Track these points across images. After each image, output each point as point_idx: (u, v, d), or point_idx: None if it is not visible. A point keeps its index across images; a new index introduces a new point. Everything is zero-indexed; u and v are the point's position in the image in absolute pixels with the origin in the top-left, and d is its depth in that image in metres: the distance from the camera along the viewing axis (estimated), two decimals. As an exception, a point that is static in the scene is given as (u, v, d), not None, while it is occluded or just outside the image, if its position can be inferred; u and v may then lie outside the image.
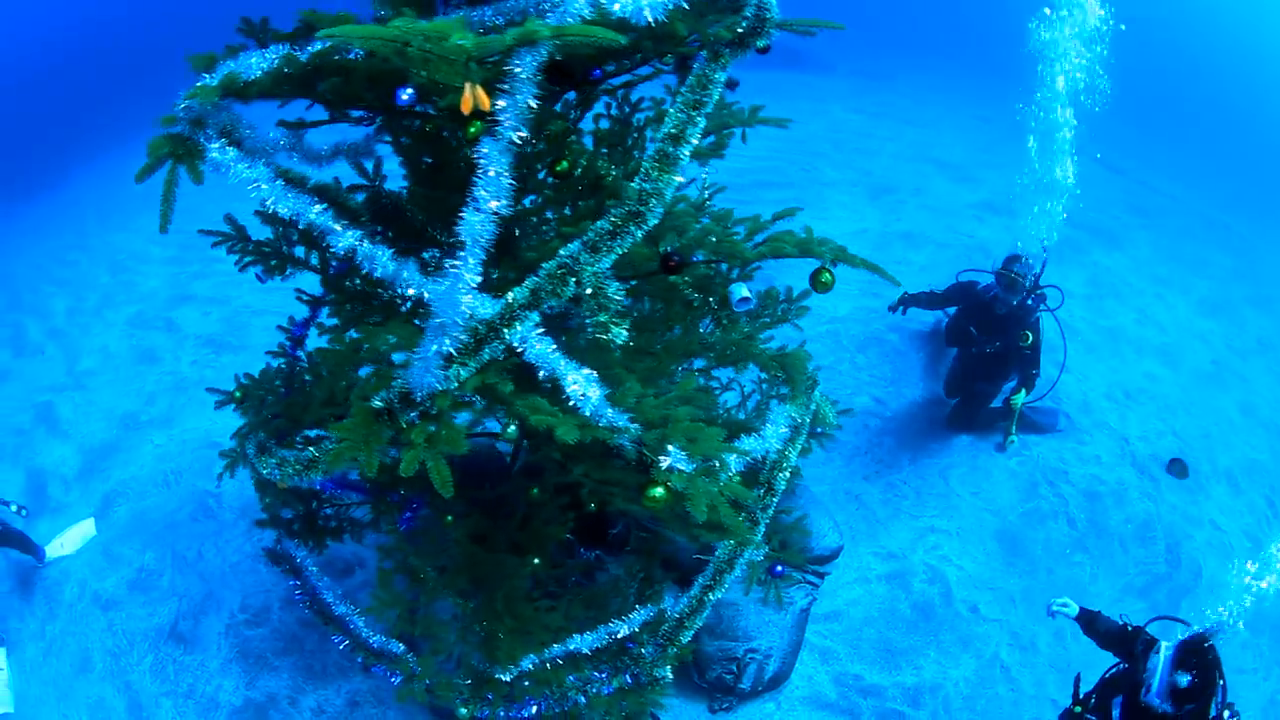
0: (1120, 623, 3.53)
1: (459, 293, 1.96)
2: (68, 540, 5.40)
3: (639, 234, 2.13)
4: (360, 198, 3.41)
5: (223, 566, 5.30)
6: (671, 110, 2.28)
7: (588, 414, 2.10)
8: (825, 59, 15.66)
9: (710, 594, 3.04)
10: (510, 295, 2.10)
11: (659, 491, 2.07)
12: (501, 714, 3.09)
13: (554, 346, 2.12)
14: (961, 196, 9.88)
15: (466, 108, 1.82)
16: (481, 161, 1.77)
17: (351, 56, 2.26)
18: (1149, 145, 13.10)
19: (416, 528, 3.69)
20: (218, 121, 2.25)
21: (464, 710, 3.10)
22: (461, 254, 1.90)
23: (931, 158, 11.02)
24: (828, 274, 2.66)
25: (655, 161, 2.18)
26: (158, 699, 4.52)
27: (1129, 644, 3.38)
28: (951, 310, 6.12)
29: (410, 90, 2.08)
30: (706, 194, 3.49)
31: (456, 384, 2.15)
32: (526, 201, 3.25)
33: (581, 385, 2.10)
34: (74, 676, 4.63)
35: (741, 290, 2.80)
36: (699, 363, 3.67)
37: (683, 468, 2.08)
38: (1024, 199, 6.75)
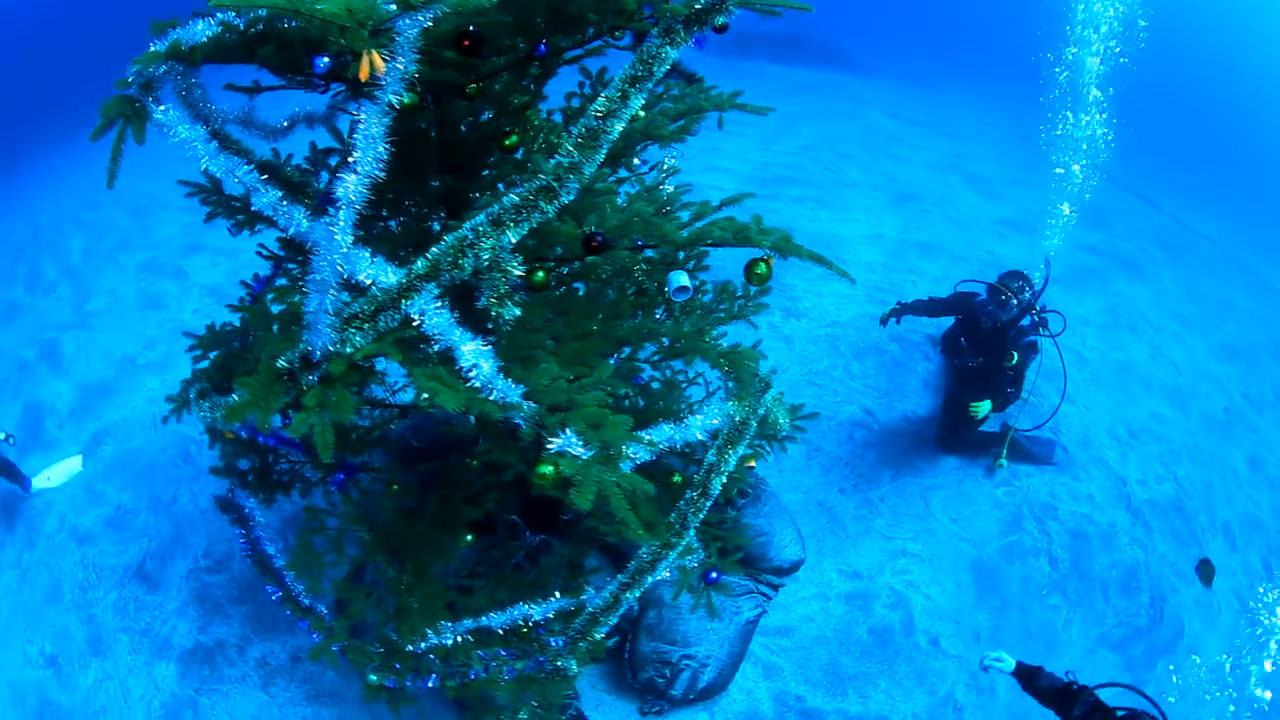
0: (1065, 680, 3.35)
1: (334, 250, 1.97)
2: (54, 474, 5.63)
3: (550, 210, 2.11)
4: (333, 161, 3.50)
5: (194, 512, 5.48)
6: (611, 85, 2.24)
7: (479, 386, 2.09)
8: (870, 62, 15.55)
9: (627, 592, 3.01)
10: (411, 266, 2.11)
11: (548, 469, 2.05)
12: (409, 683, 3.13)
13: (451, 318, 2.13)
14: (986, 211, 9.72)
15: (364, 75, 1.85)
16: (360, 125, 1.78)
17: (291, 25, 2.29)
18: (1186, 181, 12.84)
19: (377, 491, 3.78)
20: (181, 86, 2.37)
21: (373, 677, 3.15)
22: (335, 212, 1.91)
23: (961, 170, 10.86)
24: (764, 265, 2.59)
25: (579, 137, 2.15)
26: (116, 634, 4.70)
27: (1069, 705, 3.23)
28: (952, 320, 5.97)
29: (326, 58, 2.12)
30: (662, 177, 3.44)
31: (351, 349, 2.18)
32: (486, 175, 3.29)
33: (474, 357, 2.10)
34: (43, 605, 4.83)
35: (680, 279, 2.71)
36: (649, 353, 3.65)
37: (577, 452, 2.06)
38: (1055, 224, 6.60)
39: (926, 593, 4.99)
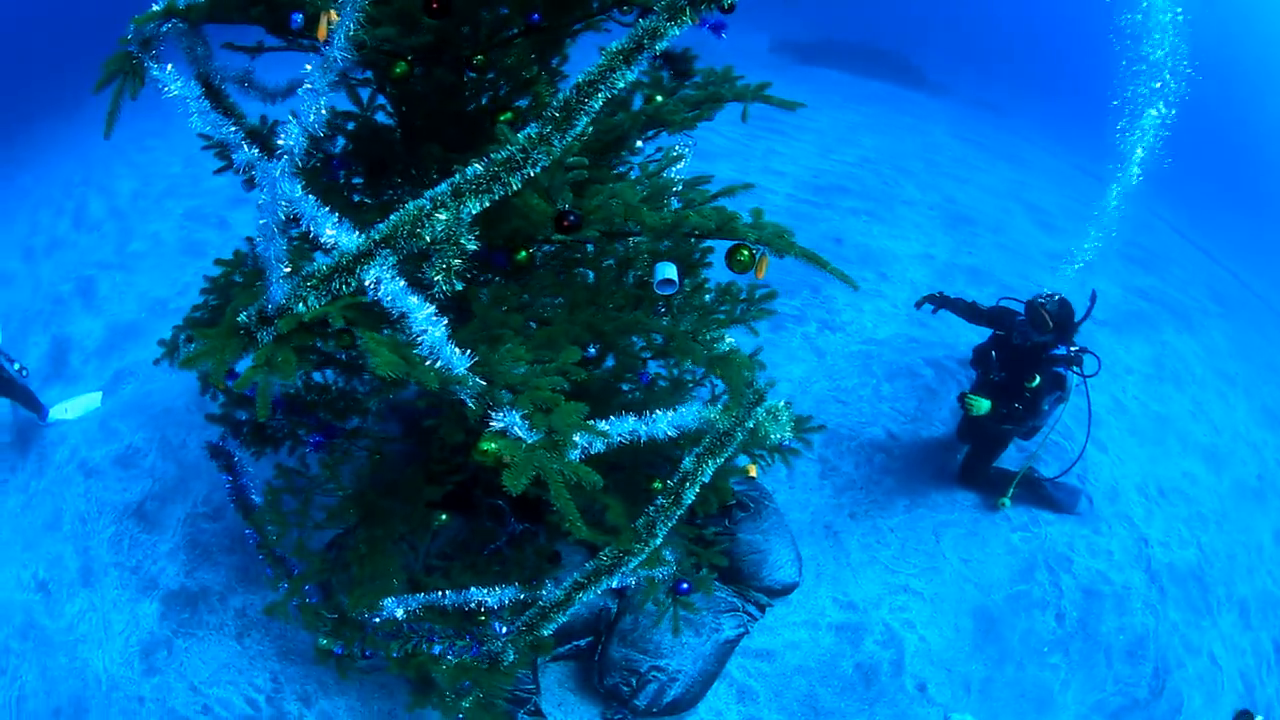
0: None
1: (276, 195, 2.00)
2: (73, 407, 5.92)
3: (515, 184, 2.07)
4: (350, 126, 3.56)
5: (201, 459, 5.67)
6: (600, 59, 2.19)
7: (425, 353, 2.08)
8: (942, 80, 15.75)
9: (581, 593, 2.97)
10: (369, 232, 2.12)
11: (489, 447, 2.02)
12: (356, 651, 3.17)
13: (405, 286, 2.12)
14: (1040, 242, 9.59)
15: (321, 35, 1.87)
16: (306, 79, 1.78)
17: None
18: (1244, 235, 12.79)
19: (361, 458, 3.84)
20: (184, 44, 2.48)
21: (323, 640, 3.20)
22: (275, 161, 1.93)
23: (1021, 198, 10.80)
24: (746, 251, 2.48)
25: (554, 111, 2.11)
26: (107, 568, 4.91)
27: None
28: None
29: (300, 15, 2.16)
30: (664, 163, 3.36)
31: (303, 308, 2.20)
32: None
33: (424, 324, 2.08)
34: (43, 531, 5.08)
35: (666, 270, 2.62)
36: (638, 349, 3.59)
37: (520, 434, 2.03)
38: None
39: (922, 634, 4.81)
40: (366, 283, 2.15)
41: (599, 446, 2.31)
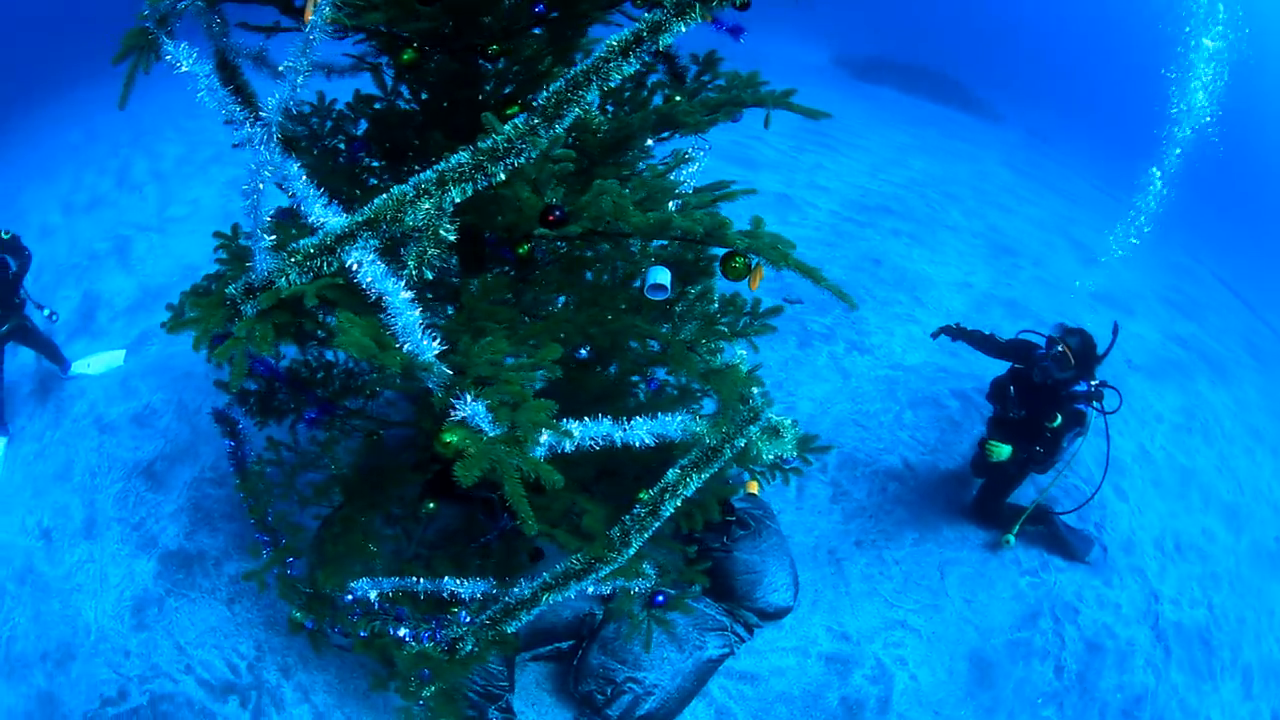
0: None
1: (260, 173, 2.05)
2: (95, 363, 6.15)
3: (500, 175, 2.10)
4: (377, 107, 3.65)
5: (213, 424, 5.86)
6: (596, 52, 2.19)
7: (396, 333, 2.12)
8: (998, 107, 15.86)
9: (548, 594, 2.98)
10: (352, 215, 2.16)
11: (451, 438, 2.04)
12: (327, 628, 3.23)
13: (386, 270, 2.16)
14: (1082, 280, 9.49)
15: (307, 16, 1.94)
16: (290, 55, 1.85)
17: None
18: None
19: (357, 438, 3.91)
20: (203, 21, 2.58)
21: (296, 614, 3.27)
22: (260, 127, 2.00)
23: (1067, 233, 10.73)
24: (740, 259, 2.44)
25: (546, 102, 2.12)
26: (111, 522, 5.09)
27: None
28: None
29: None
30: (673, 164, 3.34)
31: (284, 284, 2.26)
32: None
33: (401, 308, 2.12)
34: (52, 480, 5.30)
35: (657, 275, 2.58)
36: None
37: (483, 426, 2.05)
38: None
39: (914, 672, 4.70)
40: (349, 264, 2.20)
41: (568, 447, 2.32)
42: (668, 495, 2.97)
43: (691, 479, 3.01)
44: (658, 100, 3.49)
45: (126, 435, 5.69)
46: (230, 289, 2.42)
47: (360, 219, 2.14)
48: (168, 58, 2.42)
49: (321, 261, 2.22)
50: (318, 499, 3.46)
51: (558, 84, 2.09)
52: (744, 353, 3.47)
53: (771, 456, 3.51)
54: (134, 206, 8.21)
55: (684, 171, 3.14)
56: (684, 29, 2.22)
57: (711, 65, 3.57)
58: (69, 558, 4.82)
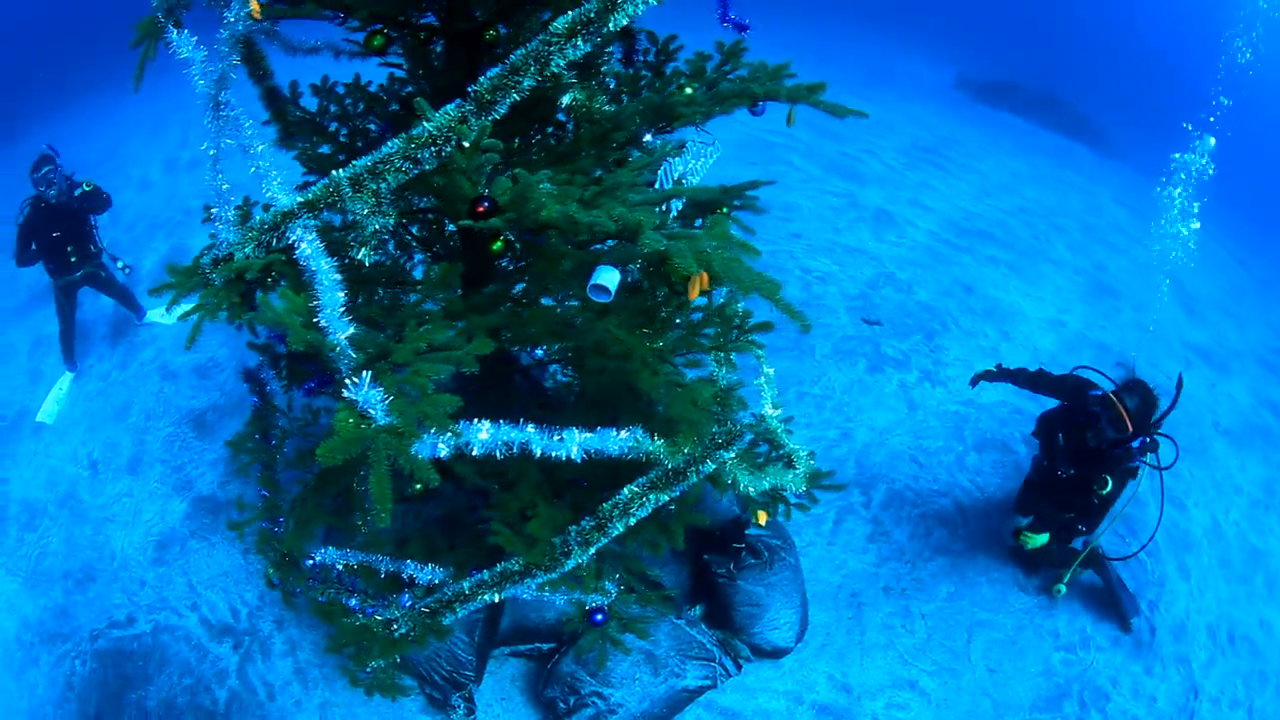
0: None
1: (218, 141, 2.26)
2: (170, 314, 6.85)
3: (430, 162, 2.20)
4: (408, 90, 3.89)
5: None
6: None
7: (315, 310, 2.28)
8: (1119, 142, 15.55)
9: (484, 592, 3.09)
10: (297, 197, 2.35)
11: (339, 417, 2.17)
12: (291, 586, 3.50)
13: (320, 249, 2.33)
14: (1181, 330, 9.02)
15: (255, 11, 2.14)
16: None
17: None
18: None
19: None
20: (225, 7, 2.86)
21: (270, 571, 3.57)
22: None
23: (1174, 278, 10.18)
24: (680, 262, 2.20)
25: (480, 89, 2.20)
26: (154, 462, 5.69)
27: None
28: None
29: None
30: (657, 158, 3.27)
31: (241, 256, 2.48)
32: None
33: (327, 288, 2.28)
34: (109, 418, 5.98)
35: (601, 275, 2.35)
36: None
37: (373, 412, 2.17)
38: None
39: (915, 741, 4.49)
40: (291, 241, 2.39)
41: (475, 443, 2.41)
42: (617, 513, 3.00)
43: (648, 500, 3.01)
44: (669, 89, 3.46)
45: (186, 384, 6.31)
46: (204, 259, 2.68)
47: (301, 200, 2.32)
48: (179, 50, 2.70)
49: (270, 237, 2.42)
50: (300, 463, 3.75)
51: (495, 70, 2.17)
52: (723, 369, 3.45)
53: (761, 488, 3.45)
54: (234, 168, 9.00)
55: (675, 167, 3.06)
56: (640, 9, 2.21)
57: (735, 55, 3.46)
58: (109, 489, 5.43)
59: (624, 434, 2.75)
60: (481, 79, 2.18)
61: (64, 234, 5.95)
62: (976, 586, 5.30)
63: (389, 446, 2.03)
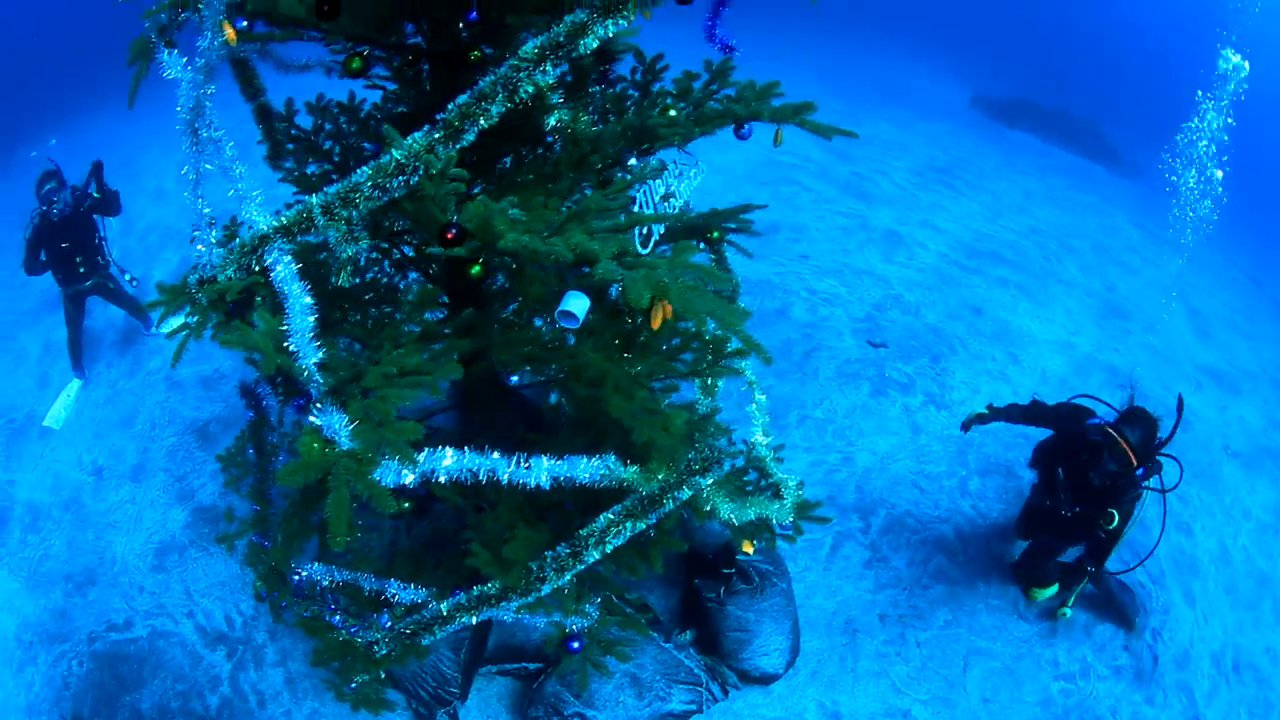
0: None
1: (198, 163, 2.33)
2: (178, 324, 7.00)
3: (398, 190, 2.25)
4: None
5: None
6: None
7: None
8: (1135, 162, 15.38)
9: (462, 614, 3.11)
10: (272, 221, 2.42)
11: (304, 441, 2.22)
12: (277, 599, 3.55)
13: (294, 272, 2.39)
14: (1192, 351, 8.95)
15: (230, 37, 2.21)
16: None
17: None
18: None
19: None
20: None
21: (259, 583, 3.62)
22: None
23: (1185, 299, 10.15)
24: (632, 292, 2.04)
25: (449, 117, 2.24)
26: (157, 471, 5.80)
27: None
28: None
29: None
30: (632, 179, 3.28)
31: (224, 279, 2.55)
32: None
33: (297, 311, 2.33)
34: (115, 425, 6.11)
35: (569, 301, 2.32)
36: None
37: (337, 437, 2.22)
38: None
39: (903, 773, 4.44)
40: (268, 264, 2.45)
41: (440, 470, 2.44)
42: (593, 541, 3.00)
43: (624, 528, 3.02)
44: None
45: (191, 394, 6.43)
46: (191, 278, 2.75)
47: (276, 225, 2.38)
48: (168, 69, 2.79)
49: (250, 260, 2.49)
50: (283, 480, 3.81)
51: (462, 98, 2.22)
52: (709, 397, 3.45)
53: (745, 519, 3.43)
54: (248, 179, 9.20)
55: (657, 189, 3.04)
56: (610, 30, 2.22)
57: (722, 75, 3.46)
58: (112, 496, 5.54)
59: (594, 461, 2.76)
60: (450, 105, 2.23)
61: (72, 245, 6.11)
62: (975, 614, 5.24)
63: (349, 472, 2.06)
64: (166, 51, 2.77)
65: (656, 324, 2.20)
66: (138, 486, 5.64)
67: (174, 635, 4.78)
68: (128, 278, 6.55)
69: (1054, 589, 4.89)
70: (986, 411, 5.16)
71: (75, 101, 13.00)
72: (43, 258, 6.05)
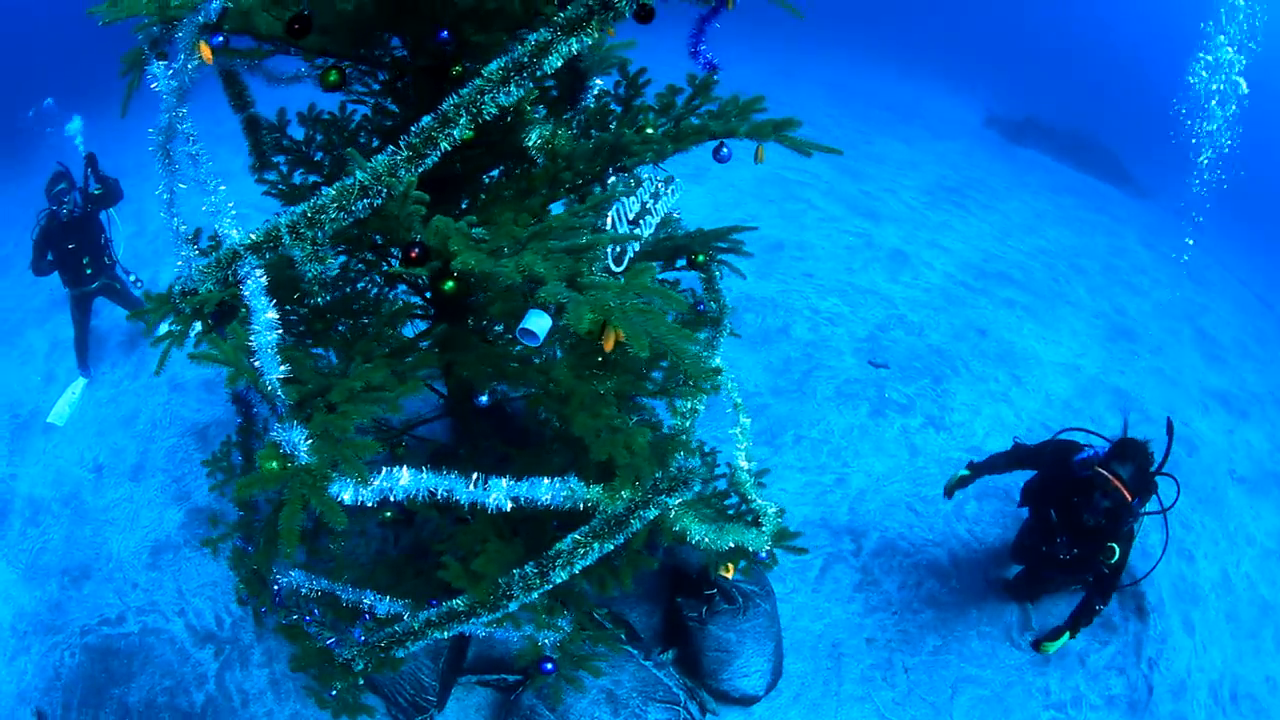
0: None
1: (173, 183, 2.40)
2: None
3: (362, 212, 2.30)
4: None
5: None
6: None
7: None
8: (1148, 183, 15.38)
9: (432, 630, 3.15)
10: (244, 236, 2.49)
11: (262, 458, 2.28)
12: (257, 604, 3.62)
13: (262, 287, 2.45)
14: (1201, 376, 8.83)
15: (206, 57, 2.28)
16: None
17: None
18: None
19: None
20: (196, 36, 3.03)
21: (242, 586, 3.69)
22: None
23: (1195, 322, 10.09)
24: (570, 315, 2.02)
25: (412, 138, 2.29)
26: (156, 471, 5.92)
27: None
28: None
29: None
30: (601, 199, 3.28)
31: (204, 291, 2.62)
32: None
33: (261, 326, 2.39)
34: (117, 425, 6.25)
35: (531, 319, 2.23)
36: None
37: (297, 452, 2.27)
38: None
39: (880, 801, 4.40)
40: (240, 279, 2.52)
41: (396, 490, 2.48)
42: (560, 561, 3.01)
43: (591, 548, 3.02)
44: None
45: (193, 397, 6.56)
46: (175, 288, 2.83)
47: (248, 241, 2.45)
48: (155, 81, 2.87)
49: (224, 274, 2.55)
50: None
51: (426, 119, 2.27)
52: (674, 418, 3.46)
53: (721, 547, 3.40)
54: (255, 188, 9.38)
55: (631, 206, 3.02)
56: (575, 48, 2.26)
57: (705, 90, 3.36)
58: (111, 494, 5.67)
59: (556, 482, 2.78)
60: (413, 127, 2.28)
61: (79, 246, 6.25)
62: (965, 640, 5.19)
63: (305, 486, 2.11)
64: (158, 65, 2.86)
65: (609, 346, 2.20)
66: (136, 485, 5.76)
67: (164, 632, 4.88)
68: (132, 279, 6.69)
69: (1064, 639, 4.69)
70: (968, 472, 5.10)
71: (96, 102, 13.31)
72: (50, 259, 6.20)
